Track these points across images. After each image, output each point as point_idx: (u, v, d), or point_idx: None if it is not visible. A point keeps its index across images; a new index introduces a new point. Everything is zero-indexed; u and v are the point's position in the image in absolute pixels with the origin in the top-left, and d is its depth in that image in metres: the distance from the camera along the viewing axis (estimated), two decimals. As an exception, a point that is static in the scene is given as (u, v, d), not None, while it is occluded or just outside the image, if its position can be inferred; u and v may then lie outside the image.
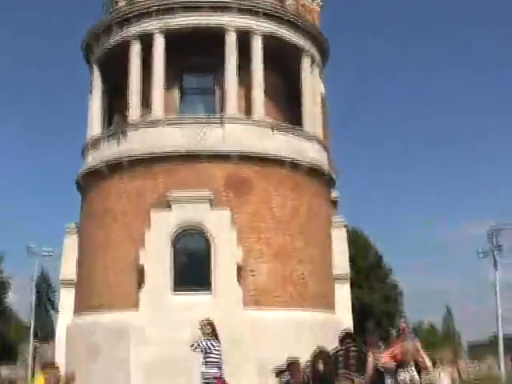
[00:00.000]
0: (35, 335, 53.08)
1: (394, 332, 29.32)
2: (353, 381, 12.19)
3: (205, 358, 13.54)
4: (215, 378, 13.50)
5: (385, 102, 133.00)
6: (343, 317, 24.41)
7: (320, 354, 14.25)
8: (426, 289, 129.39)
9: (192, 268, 22.59)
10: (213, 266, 22.19)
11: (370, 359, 12.84)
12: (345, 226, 27.43)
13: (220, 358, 13.65)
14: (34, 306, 53.88)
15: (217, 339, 13.79)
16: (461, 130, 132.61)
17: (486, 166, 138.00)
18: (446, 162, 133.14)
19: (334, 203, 28.73)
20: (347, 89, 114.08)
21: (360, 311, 37.49)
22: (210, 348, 13.47)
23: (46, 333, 56.30)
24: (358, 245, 47.66)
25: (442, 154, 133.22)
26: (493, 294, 47.22)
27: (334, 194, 28.42)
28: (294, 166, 24.59)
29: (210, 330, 13.76)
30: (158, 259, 22.31)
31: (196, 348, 13.57)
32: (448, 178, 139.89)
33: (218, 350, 13.67)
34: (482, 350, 62.24)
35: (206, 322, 13.93)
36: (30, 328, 52.05)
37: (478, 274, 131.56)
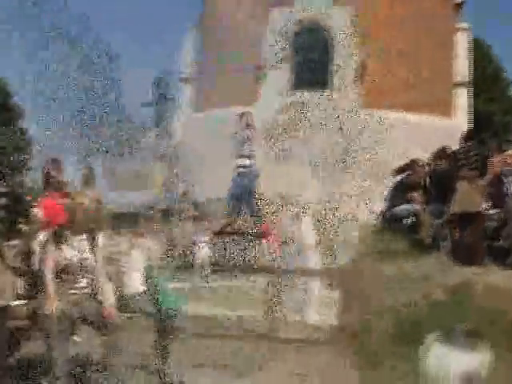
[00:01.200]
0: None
1: None
2: (474, 181, 12.09)
3: (240, 149, 13.77)
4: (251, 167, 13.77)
5: None
6: (461, 124, 24.01)
7: (442, 154, 14.17)
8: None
9: (311, 67, 22.40)
10: (333, 65, 22.00)
11: (494, 160, 12.67)
12: (468, 33, 26.41)
13: (254, 151, 13.85)
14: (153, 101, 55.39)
15: (255, 131, 13.96)
16: None
17: None
18: None
19: (459, 7, 27.48)
20: None
21: (476, 121, 36.68)
22: (246, 139, 13.66)
23: (164, 130, 58.08)
24: (479, 54, 45.95)
25: None
26: None
27: (460, -3, 27.14)
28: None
29: (250, 122, 13.87)
30: (277, 57, 22.22)
31: (235, 134, 13.79)
32: None
33: (253, 143, 13.88)
34: None
35: (245, 113, 14.02)
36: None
37: None
